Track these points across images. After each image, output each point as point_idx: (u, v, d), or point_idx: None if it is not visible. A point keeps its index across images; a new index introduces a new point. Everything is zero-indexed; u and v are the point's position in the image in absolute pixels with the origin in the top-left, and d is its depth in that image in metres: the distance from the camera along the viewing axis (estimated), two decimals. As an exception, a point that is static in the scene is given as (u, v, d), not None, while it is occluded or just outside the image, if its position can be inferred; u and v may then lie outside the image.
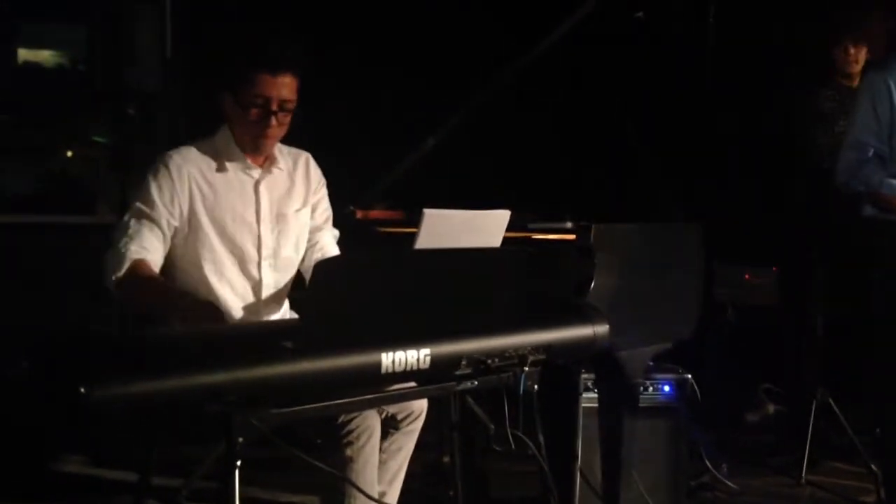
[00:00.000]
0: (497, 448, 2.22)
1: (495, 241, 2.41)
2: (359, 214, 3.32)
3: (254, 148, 2.50)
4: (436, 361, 1.90)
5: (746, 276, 4.17)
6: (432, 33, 4.78)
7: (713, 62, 3.82)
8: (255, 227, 2.50)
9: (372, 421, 2.28)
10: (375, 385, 1.92)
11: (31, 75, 4.81)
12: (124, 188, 4.22)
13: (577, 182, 4.62)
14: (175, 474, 2.69)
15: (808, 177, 3.90)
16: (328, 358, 1.78)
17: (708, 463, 3.41)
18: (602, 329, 2.25)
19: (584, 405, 2.93)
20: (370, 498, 2.20)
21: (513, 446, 2.08)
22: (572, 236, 2.77)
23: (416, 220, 2.28)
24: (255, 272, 2.50)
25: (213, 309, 2.20)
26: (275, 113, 2.41)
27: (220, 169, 2.49)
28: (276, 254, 2.53)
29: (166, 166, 2.42)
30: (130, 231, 2.35)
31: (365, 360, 1.82)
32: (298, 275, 2.61)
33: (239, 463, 1.70)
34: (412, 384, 2.03)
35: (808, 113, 3.94)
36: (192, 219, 2.44)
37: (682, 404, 3.03)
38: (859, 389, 3.62)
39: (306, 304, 1.81)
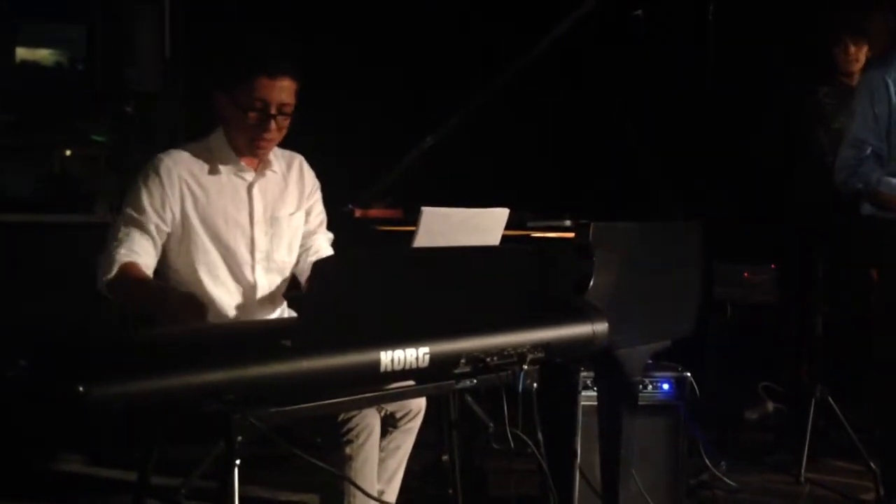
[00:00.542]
0: (496, 446, 2.22)
1: (494, 239, 2.41)
2: (357, 213, 3.32)
3: (251, 151, 2.49)
4: (435, 360, 1.90)
5: (746, 275, 4.18)
6: (432, 32, 4.78)
7: (713, 60, 3.81)
8: (248, 229, 2.50)
9: (371, 419, 2.28)
10: (374, 383, 1.92)
11: (29, 74, 4.80)
12: (122, 188, 4.21)
13: (577, 180, 4.62)
14: (174, 473, 2.69)
15: (808, 175, 3.91)
16: (327, 356, 1.78)
17: (707, 461, 3.41)
18: (601, 327, 2.25)
19: (583, 403, 2.93)
20: (369, 496, 2.20)
21: (512, 445, 2.08)
22: (571, 234, 2.77)
23: (414, 219, 2.28)
24: (248, 275, 2.50)
25: (193, 300, 2.18)
26: (273, 117, 2.41)
27: (213, 171, 2.48)
28: (269, 257, 2.53)
29: (157, 171, 2.42)
30: (121, 236, 2.36)
31: (364, 358, 1.82)
32: (293, 275, 2.61)
33: (238, 462, 1.70)
34: (411, 382, 2.03)
35: (808, 111, 3.94)
36: (184, 222, 2.44)
37: (681, 402, 3.03)
38: (858, 387, 3.62)
39: (305, 302, 1.80)
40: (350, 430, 2.24)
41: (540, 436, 2.24)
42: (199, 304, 2.17)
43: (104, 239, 2.39)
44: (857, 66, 3.86)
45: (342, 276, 1.80)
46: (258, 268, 2.52)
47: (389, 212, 3.39)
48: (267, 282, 2.53)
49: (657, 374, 3.01)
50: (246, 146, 2.48)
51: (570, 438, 2.91)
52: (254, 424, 1.69)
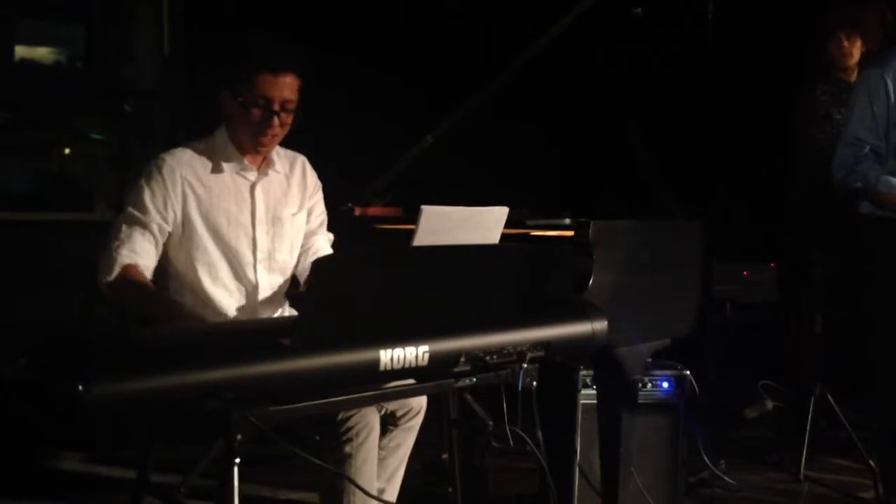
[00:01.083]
0: (496, 445, 2.22)
1: (493, 237, 2.41)
2: (357, 211, 3.32)
3: (254, 148, 2.49)
4: (434, 358, 1.90)
5: (745, 273, 4.17)
6: (431, 30, 4.77)
7: (712, 57, 3.81)
8: (249, 229, 2.50)
9: (371, 418, 2.28)
10: (374, 382, 1.92)
11: (28, 73, 4.80)
12: (122, 186, 4.21)
13: (576, 179, 4.62)
14: (173, 472, 2.69)
15: (807, 173, 3.90)
16: (327, 355, 1.78)
17: (706, 459, 3.41)
18: (601, 326, 2.25)
19: (582, 402, 2.93)
20: (369, 495, 2.20)
21: (512, 443, 2.08)
22: (571, 233, 2.77)
23: (414, 217, 2.28)
24: (250, 275, 2.50)
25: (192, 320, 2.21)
26: (277, 113, 2.41)
27: (216, 170, 2.48)
28: (270, 256, 2.53)
29: (159, 170, 2.42)
30: (122, 235, 2.35)
31: (363, 357, 1.81)
32: (293, 276, 2.61)
33: (238, 460, 1.70)
34: (411, 381, 2.03)
35: (805, 108, 3.94)
36: (185, 222, 2.43)
37: (680, 401, 3.03)
38: (858, 385, 3.62)
39: (305, 301, 1.80)
40: (350, 428, 2.24)
41: (539, 434, 2.23)
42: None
43: (104, 238, 2.39)
44: (852, 61, 3.86)
45: (342, 274, 1.80)
46: (260, 268, 2.51)
47: (389, 210, 3.39)
48: (268, 282, 2.53)
49: (657, 372, 3.01)
50: (249, 143, 2.48)
51: (569, 437, 2.91)
52: (253, 423, 1.69)
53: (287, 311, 2.61)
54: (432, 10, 4.80)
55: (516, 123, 4.44)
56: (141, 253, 2.35)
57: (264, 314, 2.53)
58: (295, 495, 3.30)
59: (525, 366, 2.04)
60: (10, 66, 4.78)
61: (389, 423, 2.46)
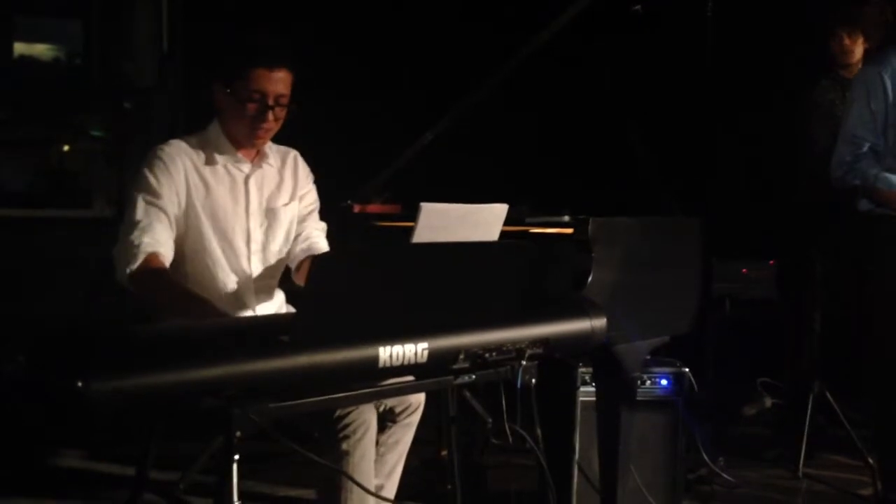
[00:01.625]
0: (495, 442, 2.23)
1: (493, 234, 2.41)
2: (356, 208, 3.32)
3: (248, 142, 2.51)
4: (433, 355, 1.90)
5: (744, 271, 4.17)
6: (431, 27, 4.77)
7: (711, 54, 3.81)
8: (244, 221, 2.51)
9: (368, 415, 2.28)
10: (373, 379, 1.92)
11: (27, 69, 4.80)
12: (120, 182, 4.22)
13: (575, 176, 4.61)
14: (172, 468, 2.69)
15: (807, 170, 3.90)
16: (325, 352, 1.77)
17: (705, 456, 3.41)
18: (600, 323, 2.25)
19: (581, 399, 2.93)
20: (367, 491, 2.20)
21: (510, 440, 2.08)
22: (570, 230, 2.77)
23: (413, 214, 2.28)
24: (245, 265, 2.51)
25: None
26: (271, 108, 2.43)
27: (210, 162, 2.50)
28: (264, 248, 2.55)
29: (161, 159, 2.43)
30: (142, 224, 2.33)
31: (362, 354, 1.81)
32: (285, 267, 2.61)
33: (237, 457, 1.70)
34: (410, 378, 2.02)
35: (807, 105, 3.93)
36: (189, 209, 2.45)
37: (679, 398, 3.03)
38: (856, 383, 3.62)
39: (303, 297, 1.80)
40: (347, 425, 2.24)
41: (538, 431, 2.23)
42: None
43: (119, 229, 2.34)
44: (854, 58, 3.86)
45: (341, 271, 1.79)
46: (254, 259, 2.53)
47: (388, 207, 3.39)
48: (262, 273, 2.54)
49: (656, 369, 3.01)
50: (244, 137, 2.49)
51: (568, 434, 2.91)
52: (252, 419, 1.68)
53: (283, 302, 2.61)
54: (433, 6, 4.80)
55: (516, 120, 4.44)
56: (161, 241, 2.33)
57: (258, 304, 2.54)
58: (293, 492, 3.30)
59: (524, 363, 2.04)
60: (9, 62, 4.78)
61: (388, 419, 2.47)
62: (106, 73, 4.87)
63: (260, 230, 2.54)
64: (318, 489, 2.35)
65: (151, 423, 2.41)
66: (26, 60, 4.81)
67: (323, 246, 2.61)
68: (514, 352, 2.03)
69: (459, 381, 2.02)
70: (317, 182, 2.69)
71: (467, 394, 3.15)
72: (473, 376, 2.02)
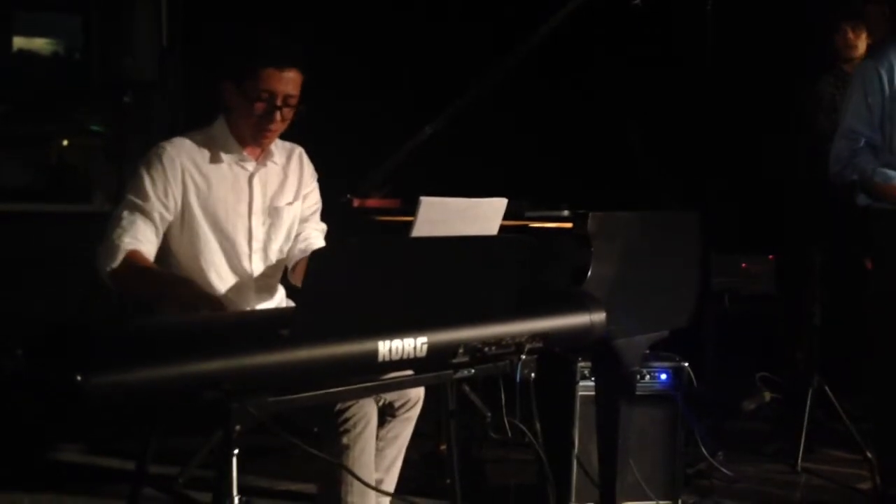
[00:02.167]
0: (494, 436, 2.23)
1: (492, 228, 2.41)
2: (355, 203, 3.31)
3: (255, 140, 2.50)
4: (433, 349, 1.90)
5: (743, 265, 4.17)
6: (430, 22, 4.77)
7: (712, 49, 3.81)
8: (246, 219, 2.51)
9: (368, 409, 2.28)
10: (372, 373, 1.92)
11: (26, 64, 4.79)
12: (120, 177, 4.21)
13: (575, 170, 4.61)
14: (172, 463, 2.69)
15: (807, 165, 3.90)
16: (325, 346, 1.78)
17: (704, 450, 3.41)
18: (599, 317, 2.25)
19: (580, 393, 2.94)
20: (367, 485, 2.20)
21: (510, 434, 2.09)
22: (569, 224, 2.77)
23: (412, 208, 2.28)
24: (245, 264, 2.51)
25: (214, 300, 2.20)
26: (279, 108, 2.43)
27: (215, 160, 2.49)
28: (266, 247, 2.55)
29: (159, 158, 2.42)
30: (124, 223, 2.35)
31: (362, 348, 1.81)
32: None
33: (236, 451, 1.70)
34: (409, 372, 2.03)
35: (809, 100, 3.94)
36: (185, 211, 2.44)
37: (678, 392, 3.04)
38: (855, 377, 3.62)
39: (303, 292, 1.80)
40: (347, 419, 2.24)
41: (538, 425, 2.24)
42: (216, 302, 2.18)
43: (104, 227, 2.37)
44: (857, 53, 3.85)
45: (340, 265, 1.80)
46: (255, 258, 2.52)
47: (387, 202, 3.39)
48: (263, 271, 2.54)
49: (655, 364, 3.02)
50: (250, 135, 2.49)
51: (567, 428, 2.92)
52: (252, 413, 1.69)
53: (282, 298, 2.61)
54: (433, 4, 4.79)
55: (515, 115, 4.43)
56: (143, 240, 2.35)
57: (259, 302, 2.54)
58: (293, 486, 3.30)
59: (523, 357, 2.05)
60: (8, 57, 4.77)
61: (387, 413, 2.47)
62: (105, 68, 4.86)
63: (262, 229, 2.54)
64: (318, 483, 2.35)
65: (151, 416, 2.42)
66: (25, 55, 4.81)
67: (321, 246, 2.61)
68: (513, 346, 2.03)
69: (459, 375, 2.02)
70: (318, 180, 2.69)
71: (466, 388, 3.15)
72: (473, 370, 2.03)
